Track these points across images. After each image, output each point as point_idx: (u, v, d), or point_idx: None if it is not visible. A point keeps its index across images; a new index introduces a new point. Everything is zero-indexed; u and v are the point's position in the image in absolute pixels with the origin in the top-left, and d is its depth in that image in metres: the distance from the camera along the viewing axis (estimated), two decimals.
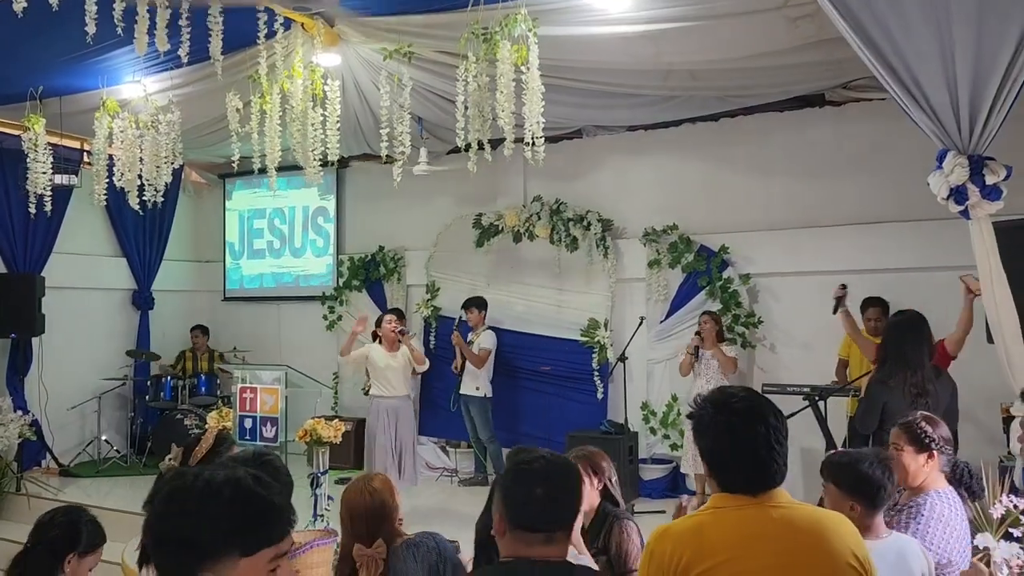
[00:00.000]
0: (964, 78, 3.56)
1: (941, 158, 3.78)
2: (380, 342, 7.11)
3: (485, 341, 7.93)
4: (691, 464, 6.91)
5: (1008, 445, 4.16)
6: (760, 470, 1.97)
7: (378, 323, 7.37)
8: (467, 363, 7.94)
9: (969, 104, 3.61)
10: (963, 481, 3.15)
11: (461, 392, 7.97)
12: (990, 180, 3.67)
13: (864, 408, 4.56)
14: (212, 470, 1.47)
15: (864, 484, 2.71)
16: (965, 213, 3.79)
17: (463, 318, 8.18)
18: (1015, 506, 3.13)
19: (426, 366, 7.31)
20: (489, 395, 7.91)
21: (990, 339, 4.03)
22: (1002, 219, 4.00)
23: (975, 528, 3.15)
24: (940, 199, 3.82)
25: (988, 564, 3.14)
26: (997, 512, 3.58)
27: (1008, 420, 4.14)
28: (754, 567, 1.89)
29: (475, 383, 7.88)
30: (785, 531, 1.93)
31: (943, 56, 3.55)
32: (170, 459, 3.05)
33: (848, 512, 2.71)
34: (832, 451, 3.97)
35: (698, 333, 6.89)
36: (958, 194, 3.74)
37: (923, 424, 3.12)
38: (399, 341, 6.96)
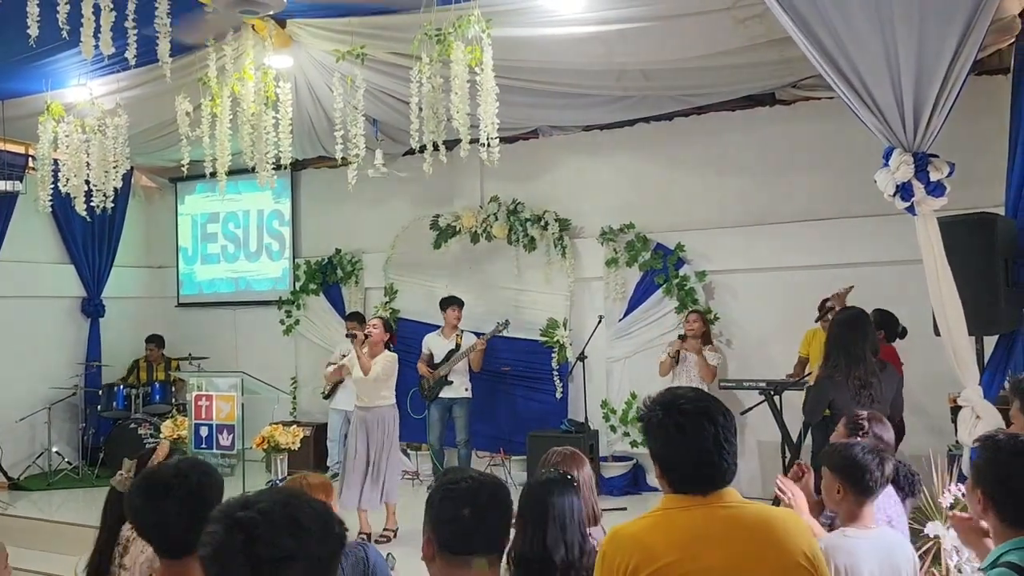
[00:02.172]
0: (908, 77, 3.66)
1: (887, 155, 3.88)
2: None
3: (470, 340, 7.76)
4: None
5: (956, 435, 4.27)
6: (709, 470, 1.97)
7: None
8: (453, 367, 7.65)
9: (913, 102, 3.71)
10: (898, 482, 3.17)
11: (445, 396, 7.66)
12: (934, 177, 3.78)
13: (812, 399, 4.67)
14: None
15: (851, 466, 2.73)
16: (911, 209, 3.89)
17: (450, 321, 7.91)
18: (963, 494, 3.20)
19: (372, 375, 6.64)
20: (471, 395, 7.75)
21: (937, 331, 4.14)
22: (946, 215, 4.11)
23: (925, 518, 3.22)
24: (887, 196, 3.91)
25: (938, 552, 3.22)
26: (946, 500, 3.68)
27: (955, 410, 4.24)
28: (702, 567, 1.89)
29: (464, 384, 7.69)
30: (734, 531, 1.94)
31: (887, 56, 3.64)
32: (122, 474, 2.97)
33: (835, 496, 2.75)
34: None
35: (681, 336, 6.93)
36: (904, 191, 3.84)
37: (873, 469, 2.78)
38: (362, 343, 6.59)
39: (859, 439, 3.10)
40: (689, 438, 1.96)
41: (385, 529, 6.23)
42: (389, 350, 6.48)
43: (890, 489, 3.07)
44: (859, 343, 4.49)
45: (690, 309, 7.20)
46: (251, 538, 1.40)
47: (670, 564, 1.89)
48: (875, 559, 2.58)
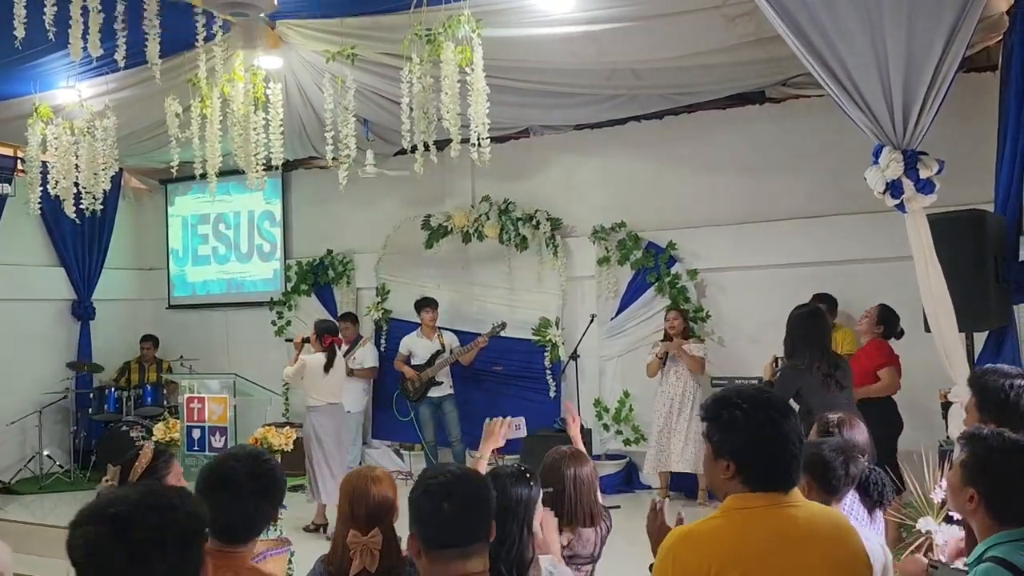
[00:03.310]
0: (896, 75, 3.67)
1: (877, 153, 3.89)
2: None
3: (453, 341, 7.90)
4: (653, 463, 6.97)
5: (947, 430, 4.29)
6: (790, 467, 1.96)
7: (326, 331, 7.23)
8: (442, 367, 7.78)
9: (902, 100, 3.73)
10: (867, 489, 3.12)
11: (433, 395, 7.80)
12: (924, 174, 3.79)
13: (777, 390, 4.72)
14: None
15: (818, 464, 2.75)
16: (901, 207, 3.90)
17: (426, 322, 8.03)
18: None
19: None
20: (454, 391, 7.93)
21: (927, 328, 4.16)
22: (936, 212, 4.12)
23: (916, 514, 3.22)
24: (877, 193, 3.92)
25: (931, 547, 3.23)
26: (937, 497, 3.69)
27: (946, 406, 4.27)
28: (790, 569, 1.87)
29: (449, 382, 7.85)
30: (812, 532, 1.93)
31: (876, 54, 3.66)
32: (107, 480, 2.94)
33: (801, 494, 2.76)
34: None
35: (666, 337, 6.94)
36: (894, 188, 3.85)
37: (838, 467, 2.82)
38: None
39: (829, 438, 3.11)
40: (779, 433, 1.96)
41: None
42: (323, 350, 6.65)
43: (853, 497, 3.04)
44: (819, 335, 4.75)
45: (667, 308, 7.24)
46: (126, 527, 1.47)
47: (758, 567, 1.86)
48: None
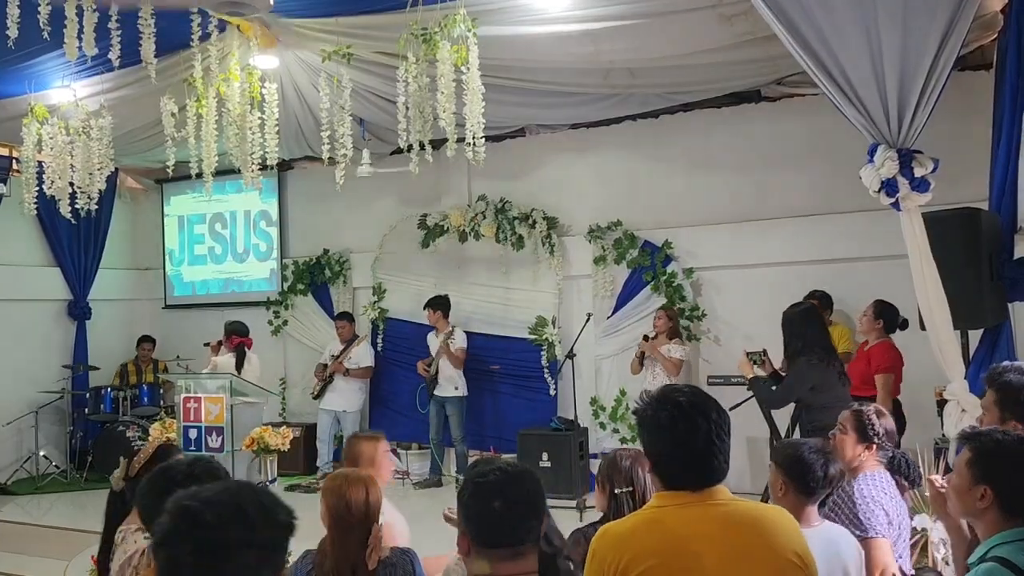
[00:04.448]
0: (892, 74, 3.68)
1: (872, 152, 3.90)
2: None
3: (460, 340, 7.89)
4: None
5: (943, 428, 4.30)
6: (702, 466, 1.96)
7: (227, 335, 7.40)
8: (441, 365, 7.84)
9: (897, 99, 3.74)
10: (900, 470, 3.25)
11: (437, 394, 7.89)
12: (918, 172, 3.81)
13: (788, 387, 4.83)
14: None
15: (796, 465, 2.78)
16: (896, 205, 3.92)
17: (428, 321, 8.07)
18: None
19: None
20: (466, 394, 7.91)
21: (923, 326, 4.17)
22: (931, 210, 4.13)
23: (912, 511, 3.25)
24: (872, 192, 3.94)
25: (925, 544, 3.25)
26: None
27: (942, 403, 4.28)
28: (694, 566, 1.88)
29: (453, 383, 7.84)
30: (727, 529, 1.93)
31: (871, 53, 3.67)
32: (118, 473, 2.96)
33: (777, 493, 2.79)
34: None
35: (646, 337, 6.97)
36: (889, 186, 3.87)
37: (872, 417, 3.23)
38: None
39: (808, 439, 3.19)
40: (681, 433, 1.96)
41: None
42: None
43: (883, 474, 3.11)
44: (824, 332, 4.90)
45: (654, 307, 7.26)
46: (196, 524, 1.44)
47: (661, 563, 1.87)
48: (823, 555, 2.61)
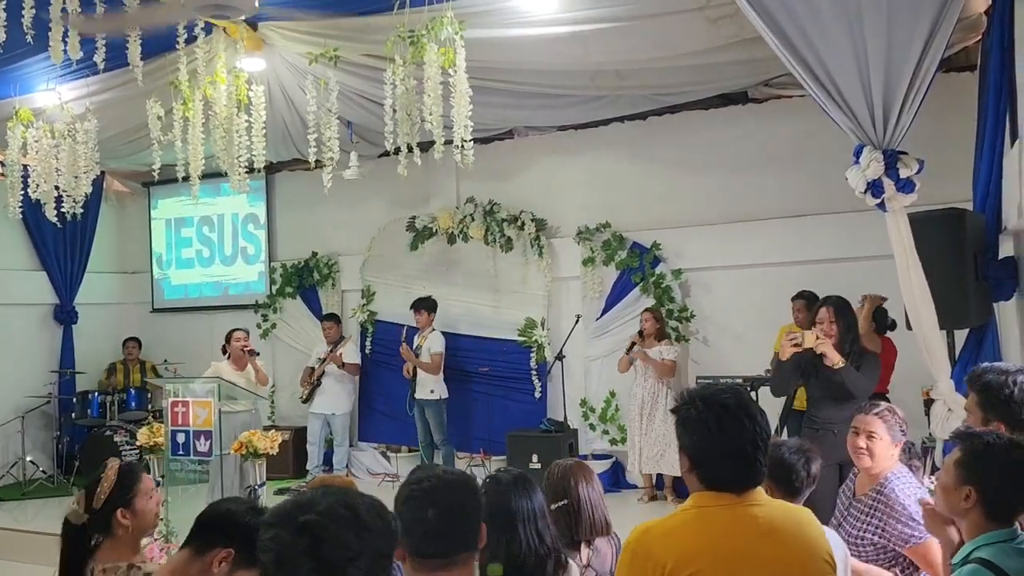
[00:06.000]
0: (876, 75, 3.70)
1: (858, 153, 3.92)
2: (229, 358, 7.11)
3: (435, 345, 7.81)
4: (637, 462, 7.00)
5: (929, 427, 4.32)
6: (746, 467, 1.96)
7: (227, 338, 7.28)
8: (415, 366, 7.83)
9: (882, 100, 3.76)
10: (913, 454, 3.31)
11: (417, 397, 7.84)
12: (904, 173, 3.82)
13: (871, 378, 4.56)
14: None
15: (779, 467, 2.80)
16: (882, 206, 3.93)
17: (414, 323, 8.02)
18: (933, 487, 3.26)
19: (268, 387, 7.28)
20: (444, 396, 7.82)
21: (909, 326, 4.19)
22: (916, 210, 4.16)
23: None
24: (858, 193, 3.95)
25: None
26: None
27: (928, 403, 4.30)
28: (745, 569, 1.89)
29: (430, 387, 7.77)
30: (770, 531, 1.94)
31: (856, 54, 3.69)
32: (74, 505, 2.75)
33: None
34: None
35: (640, 332, 6.98)
36: (875, 187, 3.88)
37: (900, 416, 3.26)
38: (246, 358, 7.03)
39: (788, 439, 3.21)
40: (729, 435, 1.95)
41: None
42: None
43: (903, 468, 3.15)
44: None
45: (643, 308, 7.28)
46: (318, 540, 1.41)
47: (711, 565, 1.87)
48: None
